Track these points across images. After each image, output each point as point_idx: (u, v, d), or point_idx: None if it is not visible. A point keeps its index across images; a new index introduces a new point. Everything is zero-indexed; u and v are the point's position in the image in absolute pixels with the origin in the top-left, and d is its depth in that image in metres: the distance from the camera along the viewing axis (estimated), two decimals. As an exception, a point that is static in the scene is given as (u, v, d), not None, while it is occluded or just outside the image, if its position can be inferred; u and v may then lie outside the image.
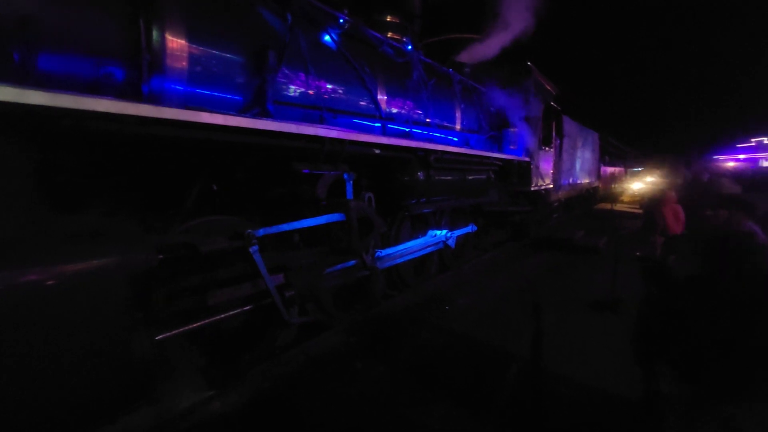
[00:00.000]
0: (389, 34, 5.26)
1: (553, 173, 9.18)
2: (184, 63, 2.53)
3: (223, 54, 2.78)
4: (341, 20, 4.05)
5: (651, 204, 7.36)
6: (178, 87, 2.53)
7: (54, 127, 1.74)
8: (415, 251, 4.96)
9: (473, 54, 6.58)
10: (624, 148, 27.67)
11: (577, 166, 12.17)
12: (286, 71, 3.21)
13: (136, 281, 1.94)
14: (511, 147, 7.36)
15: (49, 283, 1.63)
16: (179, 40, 2.49)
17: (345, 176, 3.53)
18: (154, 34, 2.37)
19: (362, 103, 4.10)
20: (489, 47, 6.42)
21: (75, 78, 2.11)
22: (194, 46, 2.58)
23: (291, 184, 3.21)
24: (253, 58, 2.93)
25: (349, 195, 3.59)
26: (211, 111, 2.23)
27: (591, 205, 16.45)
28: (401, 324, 4.26)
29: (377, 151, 3.71)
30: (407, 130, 4.80)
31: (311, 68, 3.42)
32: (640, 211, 11.21)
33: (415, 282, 5.30)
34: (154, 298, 2.26)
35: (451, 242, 5.55)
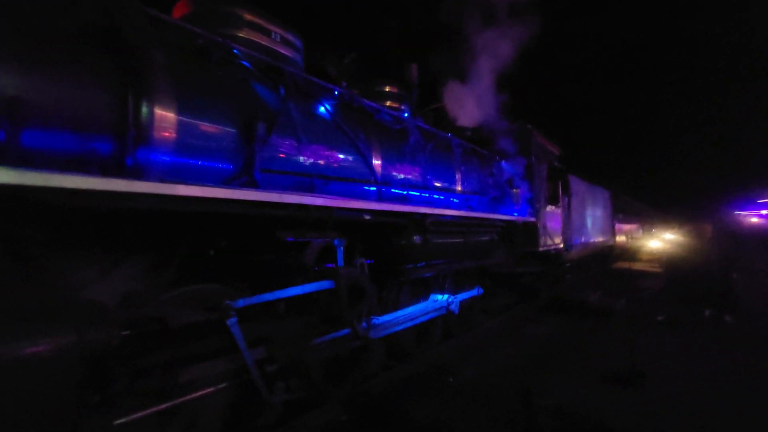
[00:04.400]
0: (387, 103, 5.47)
1: (562, 233, 9.00)
2: (172, 135, 2.57)
3: (212, 126, 2.84)
4: (336, 92, 4.22)
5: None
6: (164, 158, 2.55)
7: (21, 201, 1.73)
8: (416, 318, 4.73)
9: (468, 118, 6.76)
10: (639, 205, 27.34)
11: (589, 224, 11.94)
12: (277, 140, 3.27)
13: (93, 361, 1.83)
14: (516, 207, 7.30)
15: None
16: (168, 114, 2.54)
17: (335, 242, 3.46)
18: (143, 110, 2.44)
19: (356, 168, 4.13)
20: (481, 112, 6.63)
21: (58, 153, 2.14)
22: (183, 118, 2.63)
23: (277, 251, 3.14)
24: (242, 129, 2.99)
25: (340, 261, 3.50)
26: (187, 183, 2.23)
27: (607, 264, 15.93)
28: (399, 399, 3.94)
29: (367, 217, 3.65)
30: (404, 193, 4.79)
31: (302, 137, 3.48)
32: (660, 270, 10.76)
33: (416, 351, 5.00)
34: (116, 377, 2.11)
35: (454, 307, 5.30)
